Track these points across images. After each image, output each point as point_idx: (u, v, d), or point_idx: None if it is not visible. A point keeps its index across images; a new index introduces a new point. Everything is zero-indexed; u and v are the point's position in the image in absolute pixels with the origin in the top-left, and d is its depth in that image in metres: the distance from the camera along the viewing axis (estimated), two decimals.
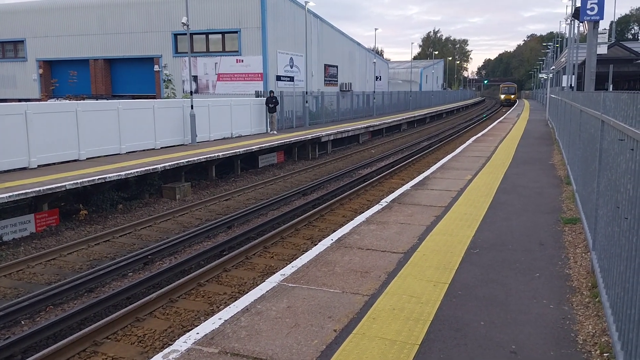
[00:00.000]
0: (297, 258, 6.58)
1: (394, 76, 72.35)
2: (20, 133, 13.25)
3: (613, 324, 4.06)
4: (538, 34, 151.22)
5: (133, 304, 7.24)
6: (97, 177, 12.26)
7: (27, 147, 13.42)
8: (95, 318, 7.16)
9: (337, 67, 41.14)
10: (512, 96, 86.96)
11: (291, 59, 33.28)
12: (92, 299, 7.75)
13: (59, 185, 11.34)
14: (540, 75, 75.43)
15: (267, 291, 5.39)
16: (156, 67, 33.11)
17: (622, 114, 4.24)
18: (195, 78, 31.90)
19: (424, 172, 13.57)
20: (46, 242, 10.73)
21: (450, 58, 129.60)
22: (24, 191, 10.63)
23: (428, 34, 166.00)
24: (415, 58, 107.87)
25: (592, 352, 4.14)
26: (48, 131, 13.99)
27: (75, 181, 11.74)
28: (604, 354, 4.08)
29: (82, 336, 6.26)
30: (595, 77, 15.21)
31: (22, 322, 7.13)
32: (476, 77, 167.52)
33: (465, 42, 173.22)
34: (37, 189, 10.90)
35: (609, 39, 32.77)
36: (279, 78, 31.27)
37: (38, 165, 13.68)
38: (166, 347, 4.41)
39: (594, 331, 4.48)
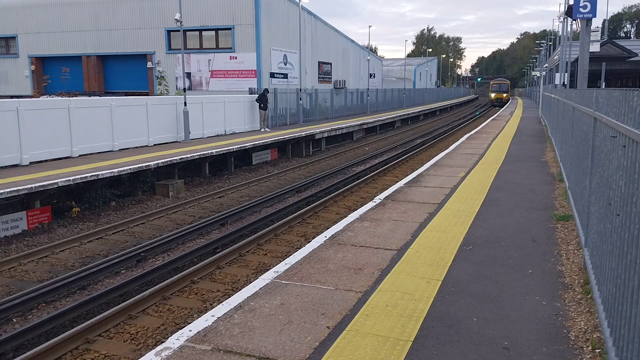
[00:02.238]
0: (291, 255, 6.58)
1: (387, 73, 72.34)
2: (12, 130, 13.16)
3: (605, 320, 4.08)
4: (531, 32, 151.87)
5: (126, 301, 7.21)
6: (89, 174, 12.20)
7: (18, 144, 13.33)
8: (87, 316, 7.14)
9: (331, 64, 41.10)
10: (504, 95, 75.76)
11: (285, 56, 33.21)
12: (85, 296, 7.71)
13: (51, 182, 11.28)
14: (533, 73, 75.48)
15: (260, 288, 5.38)
16: (149, 64, 32.96)
17: (614, 111, 4.25)
18: (188, 75, 31.79)
19: (417, 169, 13.59)
20: (38, 240, 10.68)
21: (444, 56, 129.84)
22: (15, 188, 10.56)
23: (422, 31, 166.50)
24: (409, 55, 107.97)
25: (584, 348, 4.15)
26: (40, 128, 13.91)
27: (67, 178, 11.67)
28: (596, 350, 4.10)
29: (74, 334, 6.23)
30: (587, 74, 15.28)
31: (14, 320, 7.09)
32: (470, 75, 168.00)
33: (459, 39, 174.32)
34: (29, 186, 10.84)
35: (601, 37, 32.91)
36: (272, 75, 31.19)
37: (30, 162, 13.60)
38: (159, 345, 4.40)
39: (586, 327, 4.50)
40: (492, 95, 77.85)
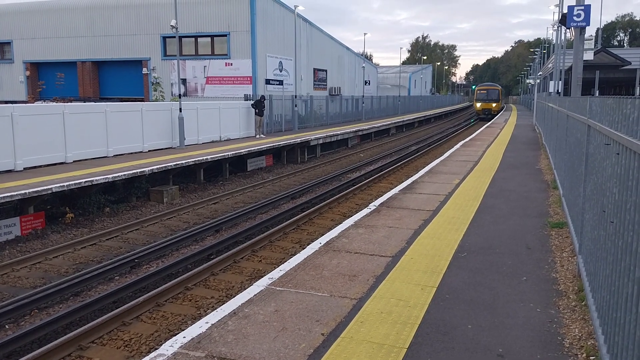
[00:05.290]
0: (286, 262, 6.57)
1: (382, 81, 72.57)
2: (6, 135, 13.11)
3: (599, 327, 4.09)
4: (525, 40, 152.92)
5: (119, 307, 7.18)
6: (83, 180, 12.15)
7: (12, 150, 13.27)
8: (80, 322, 7.09)
9: (326, 71, 41.19)
10: (494, 105, 57.59)
11: (280, 62, 33.27)
12: (78, 302, 7.66)
13: (45, 188, 11.23)
14: (527, 81, 75.73)
15: (254, 295, 5.36)
16: (144, 70, 32.94)
17: (608, 119, 4.28)
18: (184, 81, 31.78)
19: (412, 176, 13.61)
20: (32, 246, 10.62)
21: (438, 63, 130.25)
22: (9, 194, 10.50)
23: (417, 39, 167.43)
24: (404, 63, 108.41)
25: (579, 356, 4.16)
26: (34, 133, 13.86)
27: (61, 184, 11.62)
28: (590, 357, 4.10)
29: (67, 340, 6.19)
30: (581, 82, 15.35)
31: (7, 327, 7.04)
32: (464, 83, 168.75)
33: (453, 47, 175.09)
34: (23, 191, 10.78)
35: (595, 46, 33.15)
36: (268, 82, 31.25)
37: (24, 168, 13.53)
38: (152, 351, 4.37)
39: (580, 334, 4.51)
40: (478, 105, 59.33)
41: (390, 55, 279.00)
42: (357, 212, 11.05)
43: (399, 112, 52.74)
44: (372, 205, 9.66)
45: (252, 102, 24.33)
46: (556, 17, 31.88)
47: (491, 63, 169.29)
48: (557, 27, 30.67)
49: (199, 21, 31.02)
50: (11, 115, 13.21)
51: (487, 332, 4.54)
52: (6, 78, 37.21)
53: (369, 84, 52.94)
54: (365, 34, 69.73)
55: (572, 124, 7.98)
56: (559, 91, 26.91)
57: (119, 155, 16.70)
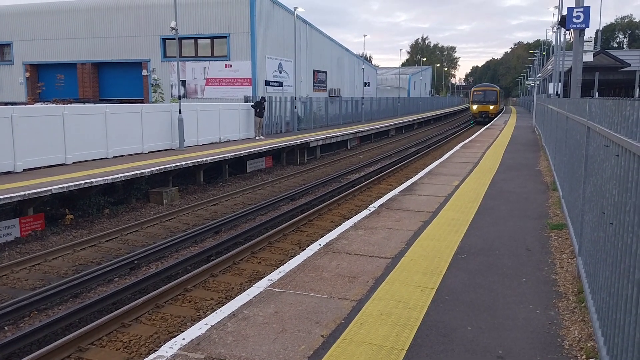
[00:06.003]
0: (285, 263, 6.56)
1: (382, 82, 72.59)
2: (5, 136, 13.10)
3: (599, 329, 4.08)
4: (525, 42, 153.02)
5: (119, 309, 7.17)
6: (83, 182, 12.15)
7: (12, 151, 13.27)
8: (80, 324, 7.08)
9: (325, 72, 41.21)
10: (492, 107, 52.08)
11: (280, 64, 33.28)
12: (77, 304, 7.66)
13: (44, 189, 11.22)
14: (527, 83, 75.66)
15: (254, 296, 5.36)
16: (144, 72, 32.95)
17: (607, 121, 4.28)
18: (183, 83, 31.78)
19: (412, 177, 13.60)
20: (31, 247, 10.61)
21: (438, 65, 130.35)
22: (8, 195, 10.50)
23: (416, 40, 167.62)
24: (403, 64, 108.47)
25: (578, 357, 4.15)
26: (34, 135, 13.86)
27: (61, 185, 11.62)
28: (590, 359, 4.10)
29: (66, 342, 6.18)
30: (581, 84, 15.35)
31: (6, 328, 7.03)
32: (464, 84, 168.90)
33: (453, 49, 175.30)
34: (22, 193, 10.78)
35: (594, 47, 33.17)
36: (267, 83, 31.24)
37: (23, 169, 13.53)
38: (152, 353, 4.37)
39: (580, 336, 4.51)
40: (474, 107, 53.30)
41: (389, 56, 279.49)
42: (356, 213, 11.05)
43: (399, 114, 52.75)
44: (372, 207, 9.66)
45: (252, 103, 24.38)
46: (556, 19, 31.94)
47: (491, 65, 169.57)
48: (557, 29, 30.70)
49: (198, 23, 31.04)
50: (11, 117, 13.21)
51: (486, 334, 4.54)
52: (6, 79, 37.21)
53: (369, 85, 52.92)
54: (365, 35, 69.92)
55: (572, 125, 7.98)
56: (559, 93, 26.94)
57: (119, 156, 16.70)
